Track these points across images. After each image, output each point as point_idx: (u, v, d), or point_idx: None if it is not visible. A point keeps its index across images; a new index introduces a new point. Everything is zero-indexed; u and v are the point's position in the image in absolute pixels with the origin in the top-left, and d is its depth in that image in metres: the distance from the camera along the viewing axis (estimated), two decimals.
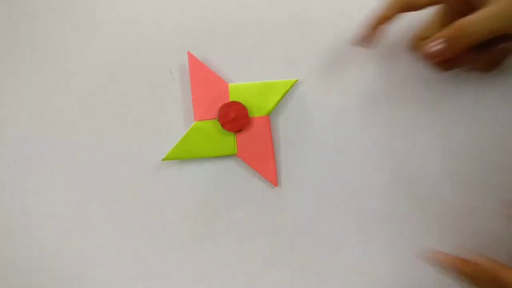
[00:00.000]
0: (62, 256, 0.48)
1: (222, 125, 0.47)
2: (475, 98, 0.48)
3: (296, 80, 0.48)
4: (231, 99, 0.47)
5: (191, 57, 0.48)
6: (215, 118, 0.47)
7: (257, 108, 0.47)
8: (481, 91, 0.48)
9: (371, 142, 0.48)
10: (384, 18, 0.43)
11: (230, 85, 0.48)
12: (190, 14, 0.50)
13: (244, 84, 0.48)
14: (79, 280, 0.48)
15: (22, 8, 0.50)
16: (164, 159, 0.47)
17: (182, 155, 0.47)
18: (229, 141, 0.47)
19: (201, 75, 0.48)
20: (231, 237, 0.48)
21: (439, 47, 0.40)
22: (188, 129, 0.47)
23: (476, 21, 0.38)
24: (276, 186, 0.48)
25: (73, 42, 0.50)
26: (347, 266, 0.47)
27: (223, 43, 0.49)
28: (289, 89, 0.48)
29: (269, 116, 0.48)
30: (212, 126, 0.47)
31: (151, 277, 0.48)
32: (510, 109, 0.48)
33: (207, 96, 0.47)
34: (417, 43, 0.44)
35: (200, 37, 0.49)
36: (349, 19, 0.48)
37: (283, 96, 0.48)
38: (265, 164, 0.47)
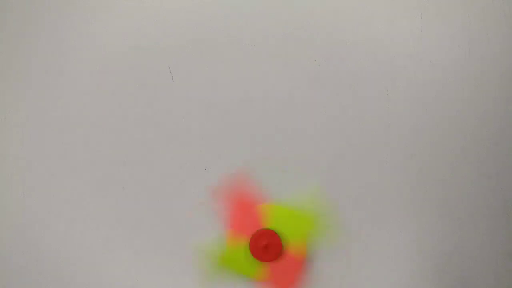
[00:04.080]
0: (62, 256, 0.48)
1: (252, 252, 0.45)
2: (473, 98, 0.48)
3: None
4: (269, 222, 0.46)
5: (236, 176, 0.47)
6: (247, 238, 0.46)
7: (294, 236, 0.45)
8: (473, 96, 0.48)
9: (371, 142, 0.48)
10: None
11: (269, 206, 0.46)
12: (190, 14, 0.50)
13: (283, 208, 0.46)
14: (79, 280, 0.48)
15: (22, 8, 0.50)
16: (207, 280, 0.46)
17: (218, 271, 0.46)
18: (258, 267, 0.46)
19: (239, 195, 0.47)
20: None
21: None
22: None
23: None
24: None
25: (73, 42, 0.50)
26: (346, 266, 0.47)
27: (223, 42, 0.49)
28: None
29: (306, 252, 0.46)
30: (243, 249, 0.46)
31: (151, 277, 0.48)
32: (510, 108, 0.48)
33: (241, 217, 0.46)
34: None
35: (200, 37, 0.49)
36: None
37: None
38: None
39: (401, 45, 0.49)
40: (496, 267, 0.47)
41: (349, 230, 0.48)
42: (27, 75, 0.50)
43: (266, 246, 0.45)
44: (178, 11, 0.50)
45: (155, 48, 0.49)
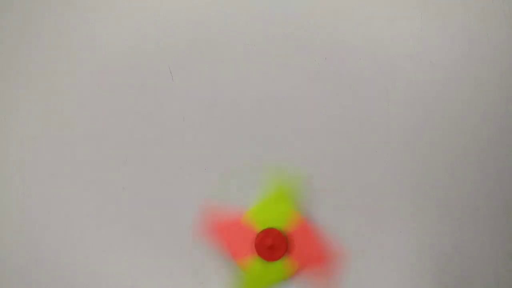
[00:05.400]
0: (62, 256, 0.48)
1: (258, 252, 0.45)
2: (471, 99, 0.48)
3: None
4: (257, 225, 0.46)
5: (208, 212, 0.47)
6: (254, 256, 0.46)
7: (285, 215, 0.46)
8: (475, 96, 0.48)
9: (371, 142, 0.48)
10: None
11: (247, 211, 0.46)
12: (190, 14, 0.50)
13: (257, 206, 0.46)
14: (79, 280, 0.48)
15: (22, 8, 0.50)
16: None
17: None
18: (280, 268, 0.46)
19: (218, 223, 0.47)
20: None
21: None
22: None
23: None
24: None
25: (73, 42, 0.50)
26: (346, 266, 0.47)
27: (223, 42, 0.49)
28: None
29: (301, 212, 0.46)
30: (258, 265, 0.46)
31: (151, 277, 0.48)
32: (510, 108, 0.48)
33: (234, 239, 0.46)
34: None
35: (200, 37, 0.49)
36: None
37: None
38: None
39: (401, 45, 0.49)
40: (496, 267, 0.47)
41: (349, 230, 0.48)
42: (27, 75, 0.50)
43: (272, 245, 0.45)
44: (178, 11, 0.50)
45: (155, 48, 0.49)
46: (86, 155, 0.49)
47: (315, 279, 0.46)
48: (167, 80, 0.49)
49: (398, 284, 0.47)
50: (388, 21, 0.49)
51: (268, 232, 0.46)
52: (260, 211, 0.47)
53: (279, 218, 0.46)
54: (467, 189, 0.48)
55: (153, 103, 0.49)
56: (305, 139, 0.49)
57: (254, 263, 0.46)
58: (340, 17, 0.49)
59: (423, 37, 0.49)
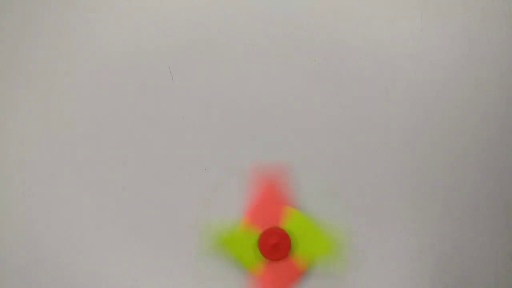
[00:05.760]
0: (62, 256, 0.48)
1: (260, 246, 0.45)
2: (470, 101, 0.48)
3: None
4: (286, 225, 0.46)
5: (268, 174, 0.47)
6: (260, 230, 0.46)
7: (303, 248, 0.45)
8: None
9: (371, 142, 0.48)
10: None
11: (291, 210, 0.46)
12: (190, 14, 0.50)
13: (305, 218, 0.46)
14: (79, 280, 0.48)
15: (22, 8, 0.50)
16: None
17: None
18: (257, 261, 0.46)
19: (268, 187, 0.47)
20: None
21: None
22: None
23: None
24: None
25: (73, 42, 0.50)
26: (345, 267, 0.47)
27: (223, 42, 0.49)
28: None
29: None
30: (251, 239, 0.46)
31: (151, 277, 0.48)
32: (510, 108, 0.48)
33: (264, 207, 0.46)
34: None
35: (200, 37, 0.49)
36: None
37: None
38: None
39: (401, 45, 0.49)
40: (496, 267, 0.47)
41: (349, 230, 0.48)
42: (27, 75, 0.50)
43: (276, 245, 0.45)
44: (178, 11, 0.50)
45: (155, 48, 0.49)
46: (86, 155, 0.49)
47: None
48: (167, 80, 0.49)
49: (398, 284, 0.47)
50: (388, 21, 0.49)
51: (272, 231, 0.46)
52: (301, 222, 0.46)
53: (301, 244, 0.46)
54: (467, 189, 0.48)
55: (153, 103, 0.49)
56: (305, 139, 0.49)
57: (247, 232, 0.46)
58: (340, 17, 0.49)
59: (423, 37, 0.49)
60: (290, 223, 0.46)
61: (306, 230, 0.46)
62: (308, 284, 0.47)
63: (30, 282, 0.48)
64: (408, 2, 0.49)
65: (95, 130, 0.49)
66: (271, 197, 0.47)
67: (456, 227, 0.47)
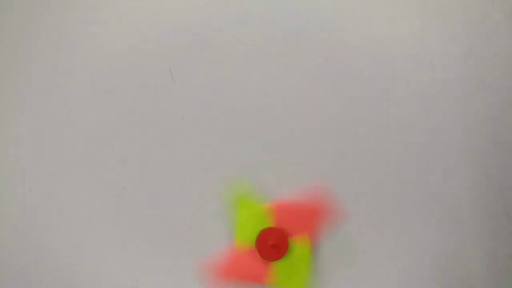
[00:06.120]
0: (62, 256, 0.48)
1: (259, 251, 0.45)
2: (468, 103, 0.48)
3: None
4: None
5: None
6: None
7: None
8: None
9: (371, 142, 0.48)
10: None
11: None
12: (191, 14, 0.50)
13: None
14: (79, 280, 0.48)
15: (22, 8, 0.50)
16: None
17: None
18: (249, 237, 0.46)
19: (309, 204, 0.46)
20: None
21: None
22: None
23: None
24: None
25: (73, 41, 0.50)
26: (344, 267, 0.47)
27: (223, 42, 0.49)
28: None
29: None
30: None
31: (151, 277, 0.48)
32: (510, 108, 0.48)
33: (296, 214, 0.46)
34: None
35: (200, 37, 0.49)
36: None
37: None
38: None
39: (401, 45, 0.49)
40: (496, 267, 0.47)
41: (349, 230, 0.48)
42: (27, 75, 0.50)
43: (274, 245, 0.45)
44: (178, 11, 0.50)
45: (155, 48, 0.49)
46: (86, 155, 0.49)
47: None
48: (167, 80, 0.49)
49: (398, 284, 0.47)
50: (388, 21, 0.49)
51: (270, 231, 0.46)
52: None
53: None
54: (467, 189, 0.48)
55: (153, 103, 0.49)
56: (305, 139, 0.49)
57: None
58: (340, 17, 0.49)
59: (423, 37, 0.49)
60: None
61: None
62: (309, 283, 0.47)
63: (30, 282, 0.48)
64: (408, 2, 0.49)
65: (95, 130, 0.49)
66: (310, 211, 0.47)
67: (456, 227, 0.47)
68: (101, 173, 0.49)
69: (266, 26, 0.49)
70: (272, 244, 0.45)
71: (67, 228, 0.48)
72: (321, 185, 0.47)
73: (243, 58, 0.49)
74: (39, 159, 0.49)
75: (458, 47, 0.49)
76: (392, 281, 0.47)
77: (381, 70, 0.49)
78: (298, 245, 0.46)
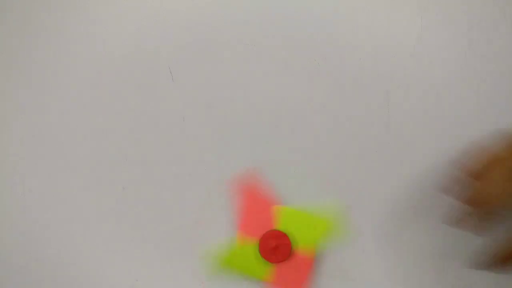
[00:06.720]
0: (62, 256, 0.48)
1: (262, 253, 0.45)
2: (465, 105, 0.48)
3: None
4: (280, 224, 0.46)
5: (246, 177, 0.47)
6: (257, 239, 0.46)
7: (304, 239, 0.46)
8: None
9: (371, 142, 0.48)
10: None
11: (280, 208, 0.46)
12: (191, 14, 0.50)
13: (295, 211, 0.46)
14: (79, 280, 0.48)
15: (22, 8, 0.50)
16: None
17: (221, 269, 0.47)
18: (265, 268, 0.46)
19: (251, 195, 0.47)
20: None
21: None
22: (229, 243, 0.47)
23: None
24: None
25: (73, 42, 0.50)
26: (345, 266, 0.48)
27: (223, 42, 0.49)
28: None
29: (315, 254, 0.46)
30: (251, 250, 0.46)
31: (151, 277, 0.48)
32: (510, 108, 0.48)
33: (253, 216, 0.46)
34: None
35: (200, 37, 0.49)
36: None
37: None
38: None
39: (401, 45, 0.49)
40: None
41: (349, 231, 0.48)
42: (27, 75, 0.50)
43: (276, 247, 0.45)
44: (178, 11, 0.50)
45: (155, 48, 0.50)
46: (86, 154, 0.49)
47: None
48: (167, 80, 0.49)
49: (398, 284, 0.47)
50: (388, 21, 0.49)
51: (272, 234, 0.46)
52: (291, 215, 0.46)
53: (299, 235, 0.46)
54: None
55: (153, 103, 0.49)
56: (305, 139, 0.49)
57: (249, 249, 0.46)
58: (340, 17, 0.49)
59: (423, 37, 0.49)
60: (283, 221, 0.46)
61: (300, 221, 0.46)
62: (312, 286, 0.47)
63: (30, 282, 0.48)
64: (408, 2, 0.49)
65: (95, 130, 0.49)
66: (255, 203, 0.47)
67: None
68: (101, 173, 0.49)
69: (266, 26, 0.49)
70: (273, 247, 0.45)
71: (67, 228, 0.49)
72: (253, 173, 0.48)
73: (243, 58, 0.49)
74: (39, 159, 0.49)
75: (458, 47, 0.49)
76: (392, 281, 0.47)
77: (381, 70, 0.49)
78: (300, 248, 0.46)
